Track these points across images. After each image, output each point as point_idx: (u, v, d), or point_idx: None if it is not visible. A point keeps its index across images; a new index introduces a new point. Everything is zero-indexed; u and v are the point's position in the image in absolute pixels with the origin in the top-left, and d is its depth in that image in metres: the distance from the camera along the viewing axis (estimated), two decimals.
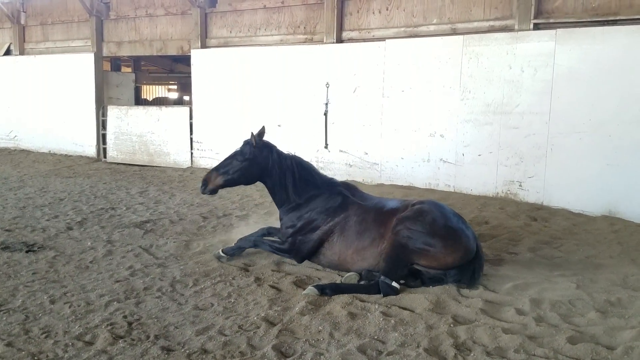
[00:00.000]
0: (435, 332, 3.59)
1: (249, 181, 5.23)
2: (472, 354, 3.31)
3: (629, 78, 7.11)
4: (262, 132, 5.20)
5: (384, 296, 4.21)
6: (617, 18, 7.49)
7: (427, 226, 4.38)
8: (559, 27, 7.82)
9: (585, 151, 7.52)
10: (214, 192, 5.20)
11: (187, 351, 3.37)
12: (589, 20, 7.70)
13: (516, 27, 8.18)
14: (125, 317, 3.87)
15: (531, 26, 8.06)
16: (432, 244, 4.36)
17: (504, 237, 6.20)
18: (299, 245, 5.00)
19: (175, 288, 4.48)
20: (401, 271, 4.39)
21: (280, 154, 5.17)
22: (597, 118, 7.40)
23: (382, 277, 4.31)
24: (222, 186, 5.17)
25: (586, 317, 3.89)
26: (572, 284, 4.57)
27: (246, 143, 5.14)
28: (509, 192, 8.24)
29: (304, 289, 4.36)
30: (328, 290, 4.30)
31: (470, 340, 3.48)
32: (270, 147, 5.17)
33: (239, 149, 5.17)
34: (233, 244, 5.34)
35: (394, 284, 4.27)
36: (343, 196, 5.01)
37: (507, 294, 4.34)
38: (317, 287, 4.33)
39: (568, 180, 7.68)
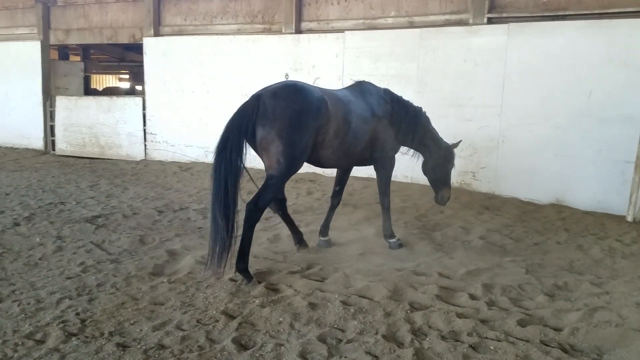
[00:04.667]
0: (393, 319, 3.66)
1: None
2: (427, 339, 3.39)
3: (577, 71, 7.43)
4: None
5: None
6: (567, 13, 7.80)
7: None
8: (512, 22, 8.06)
9: (535, 142, 7.80)
10: None
11: (144, 347, 3.29)
12: (540, 15, 7.99)
13: (471, 21, 8.37)
14: (77, 314, 3.73)
15: (485, 20, 8.27)
16: None
17: (458, 225, 6.38)
18: None
19: (130, 283, 4.37)
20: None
21: None
22: (547, 110, 7.68)
23: None
24: None
25: (535, 300, 4.06)
26: (521, 269, 4.77)
27: None
28: (463, 182, 8.47)
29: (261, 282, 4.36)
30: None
31: (426, 326, 3.57)
32: None
33: None
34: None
35: None
36: None
37: (461, 279, 4.48)
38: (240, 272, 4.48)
39: (518, 170, 7.97)
